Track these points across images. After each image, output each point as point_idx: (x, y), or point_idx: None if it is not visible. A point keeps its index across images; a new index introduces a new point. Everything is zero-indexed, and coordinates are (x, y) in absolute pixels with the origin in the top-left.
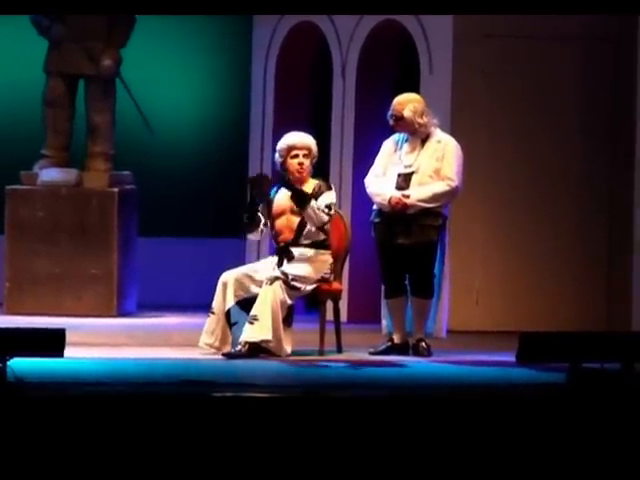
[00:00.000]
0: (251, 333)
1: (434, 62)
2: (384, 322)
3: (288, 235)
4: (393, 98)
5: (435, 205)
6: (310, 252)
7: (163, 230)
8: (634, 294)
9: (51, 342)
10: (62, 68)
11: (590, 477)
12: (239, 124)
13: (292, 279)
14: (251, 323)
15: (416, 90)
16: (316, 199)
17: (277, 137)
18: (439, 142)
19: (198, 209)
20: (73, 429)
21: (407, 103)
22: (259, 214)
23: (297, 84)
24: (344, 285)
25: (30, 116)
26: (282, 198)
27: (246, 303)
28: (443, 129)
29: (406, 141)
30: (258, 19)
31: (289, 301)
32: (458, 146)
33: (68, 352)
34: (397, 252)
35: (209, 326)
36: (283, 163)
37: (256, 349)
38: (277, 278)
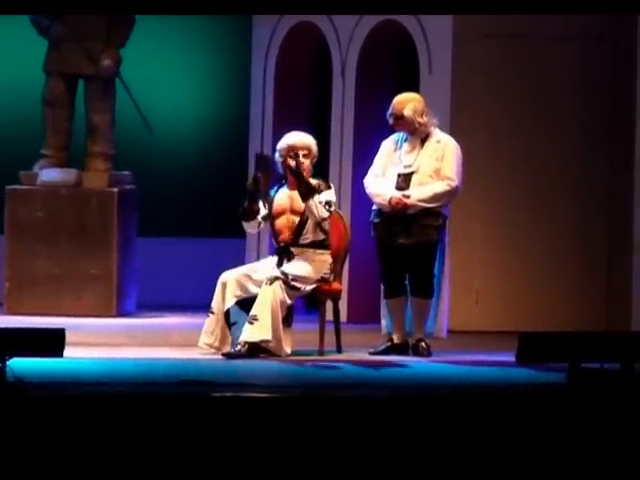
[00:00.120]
0: (251, 333)
1: (434, 62)
2: (383, 322)
3: (288, 235)
4: (393, 98)
5: (435, 205)
6: (310, 252)
7: (163, 230)
8: (634, 294)
9: (51, 342)
10: (62, 68)
11: (590, 477)
12: (239, 124)
13: (292, 279)
14: (251, 323)
15: (416, 90)
16: (318, 194)
17: (277, 137)
18: (439, 142)
19: (198, 209)
20: (73, 429)
21: (407, 102)
22: (259, 201)
23: (297, 84)
24: (344, 285)
25: (30, 116)
26: (282, 198)
27: (245, 303)
28: (443, 129)
29: (405, 141)
30: (257, 19)
31: (289, 301)
32: (457, 146)
33: (68, 352)
34: (397, 252)
35: (208, 326)
36: (283, 162)
37: (256, 349)
38: (277, 278)
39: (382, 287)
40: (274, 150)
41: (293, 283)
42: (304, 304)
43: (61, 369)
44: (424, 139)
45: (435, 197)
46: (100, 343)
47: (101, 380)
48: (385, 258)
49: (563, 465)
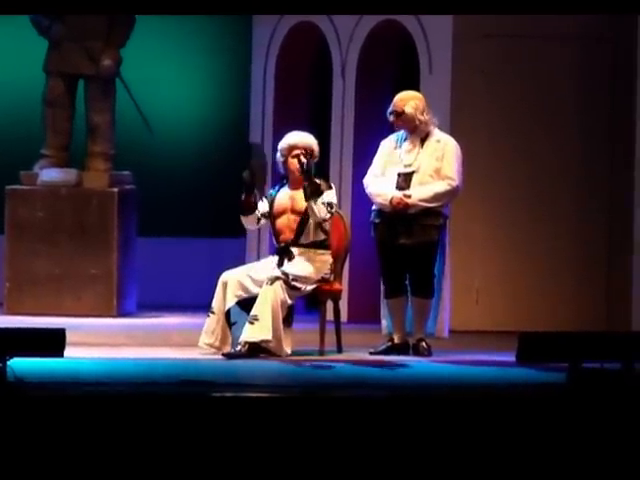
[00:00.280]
0: (251, 333)
1: (434, 62)
2: (384, 322)
3: (288, 235)
4: (393, 98)
5: (436, 205)
6: (310, 252)
7: (163, 230)
8: (634, 294)
9: (51, 342)
10: (62, 68)
11: (590, 477)
12: (239, 124)
13: (292, 279)
14: (251, 323)
15: (416, 90)
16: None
17: (277, 137)
18: (438, 142)
19: (198, 209)
20: (73, 429)
21: (409, 100)
22: (256, 194)
23: (297, 84)
24: (344, 285)
25: (30, 116)
26: (283, 198)
27: (246, 303)
28: (443, 129)
29: (405, 140)
30: (258, 19)
31: (289, 301)
32: (457, 146)
33: (68, 352)
34: (398, 252)
35: (209, 326)
36: (284, 162)
37: (256, 349)
38: (277, 278)
39: (382, 287)
40: (275, 150)
41: (294, 283)
42: (304, 304)
43: (61, 369)
44: (424, 138)
45: (436, 197)
46: (100, 343)
47: (101, 380)
48: (386, 258)
49: (564, 465)
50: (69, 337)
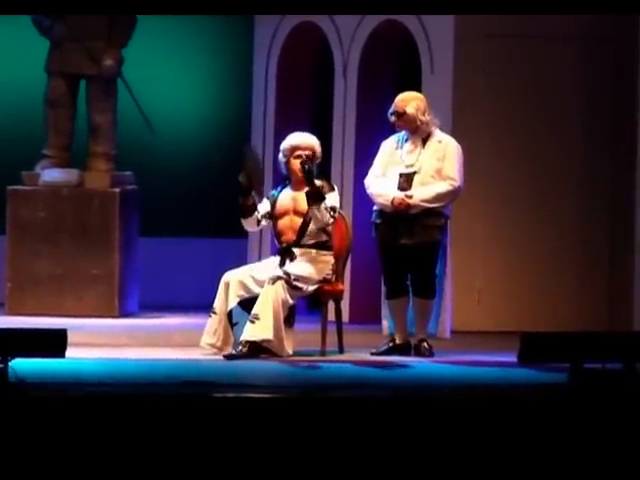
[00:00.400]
0: (252, 332)
1: (435, 62)
2: (385, 323)
3: (291, 236)
4: (394, 98)
5: (438, 205)
6: (312, 253)
7: (164, 230)
8: (635, 294)
9: (53, 343)
10: (63, 68)
11: (592, 477)
12: (240, 124)
13: (294, 279)
14: (252, 322)
15: (417, 90)
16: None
17: (279, 137)
18: (440, 142)
19: (199, 209)
20: (74, 430)
21: (410, 100)
22: (254, 196)
23: (298, 84)
24: (346, 286)
25: (31, 116)
26: (285, 198)
27: (248, 303)
28: (444, 129)
29: (406, 141)
30: (259, 19)
31: (291, 301)
32: (459, 146)
33: (69, 352)
34: (399, 252)
35: (211, 326)
36: (287, 163)
37: (257, 349)
38: (279, 278)
39: (383, 288)
40: (277, 150)
41: (295, 283)
42: (306, 304)
43: (63, 370)
44: (425, 139)
45: (438, 197)
46: (102, 344)
47: (103, 381)
48: (387, 258)
49: (565, 465)
50: (71, 337)
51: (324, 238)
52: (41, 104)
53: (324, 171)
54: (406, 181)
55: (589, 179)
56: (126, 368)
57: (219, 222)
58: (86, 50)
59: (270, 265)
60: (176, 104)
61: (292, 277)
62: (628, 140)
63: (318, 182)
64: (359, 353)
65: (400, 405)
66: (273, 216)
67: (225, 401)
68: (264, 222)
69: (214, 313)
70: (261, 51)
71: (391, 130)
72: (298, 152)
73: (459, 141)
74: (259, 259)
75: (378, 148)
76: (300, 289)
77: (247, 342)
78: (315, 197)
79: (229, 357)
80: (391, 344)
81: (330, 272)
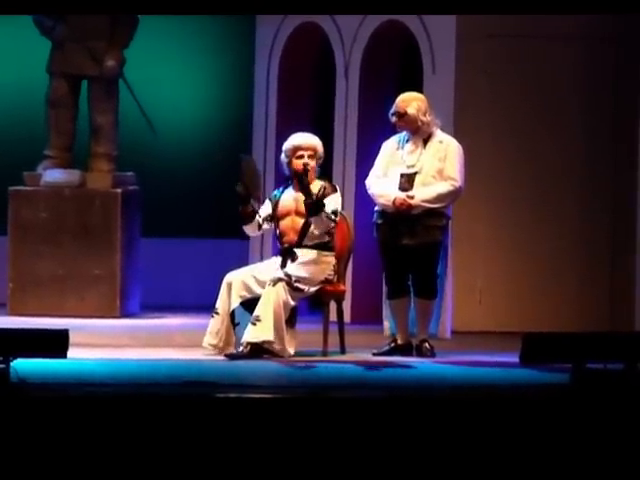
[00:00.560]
0: (253, 334)
1: (437, 62)
2: (386, 323)
3: (292, 236)
4: (396, 98)
5: (439, 205)
6: (314, 254)
7: (166, 231)
8: (637, 294)
9: (54, 343)
10: (65, 69)
11: (594, 477)
12: (242, 124)
13: (295, 280)
14: (253, 324)
15: (419, 90)
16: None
17: (280, 138)
18: (441, 142)
19: (201, 210)
20: (76, 430)
21: (411, 100)
22: (253, 203)
23: (300, 84)
24: (347, 286)
25: (33, 117)
26: (287, 199)
27: (250, 304)
28: (446, 129)
29: (407, 141)
30: (261, 19)
31: (292, 302)
32: (460, 147)
33: (71, 353)
34: (401, 253)
35: (213, 327)
36: (289, 163)
37: (259, 350)
38: (280, 279)
39: (385, 288)
40: (279, 150)
41: (296, 284)
42: (308, 305)
43: (64, 370)
44: (426, 139)
45: (439, 197)
46: (103, 344)
47: (104, 381)
48: (388, 259)
49: (567, 466)
50: (72, 338)
51: (326, 239)
52: (43, 105)
53: (326, 171)
54: (407, 181)
55: (590, 179)
56: (128, 368)
57: (221, 223)
58: (88, 51)
59: (272, 266)
60: (177, 105)
61: (293, 279)
62: (629, 140)
63: (319, 182)
64: (361, 353)
65: (402, 405)
66: (275, 217)
67: (227, 401)
68: (266, 226)
69: (216, 314)
70: (263, 51)
71: (392, 130)
72: (300, 152)
73: (460, 141)
74: (261, 260)
75: (380, 148)
76: (301, 290)
77: (248, 343)
78: (314, 208)
79: (230, 356)
80: (393, 344)
81: (332, 273)
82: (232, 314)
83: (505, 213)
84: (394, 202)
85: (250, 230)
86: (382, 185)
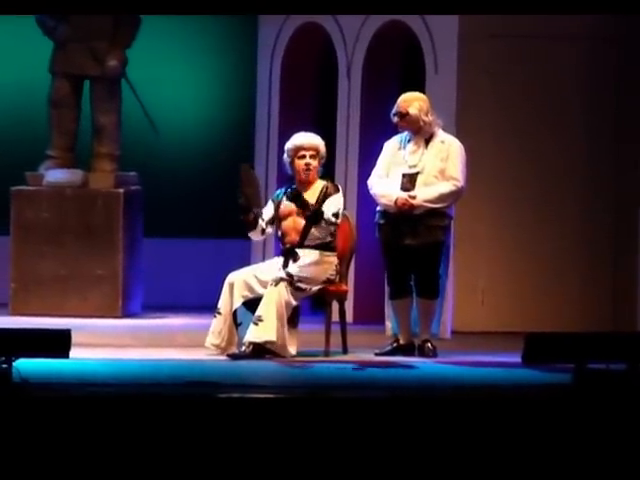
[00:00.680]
0: (255, 334)
1: (439, 62)
2: (388, 323)
3: (294, 237)
4: (398, 98)
5: (441, 205)
6: (316, 254)
7: (168, 231)
8: (639, 294)
9: (56, 343)
10: (67, 69)
11: (596, 477)
12: (244, 124)
13: (297, 280)
14: (256, 324)
15: (421, 90)
16: (322, 205)
17: (283, 138)
18: (443, 142)
19: (203, 210)
20: (78, 430)
21: (413, 101)
22: (255, 211)
23: (302, 84)
24: (350, 286)
25: (35, 117)
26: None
27: (252, 304)
28: (448, 129)
29: (409, 141)
30: (263, 19)
31: (294, 302)
32: (462, 147)
33: (73, 353)
34: (403, 253)
35: (216, 327)
36: (291, 163)
37: (261, 350)
38: (282, 279)
39: (387, 288)
40: (281, 150)
41: (298, 284)
42: (310, 305)
43: (67, 370)
44: (428, 139)
45: (441, 198)
46: (105, 344)
47: (106, 381)
48: (391, 259)
49: (570, 466)
50: (74, 338)
51: (328, 239)
52: (45, 105)
53: (328, 171)
54: (409, 181)
55: (592, 179)
56: (130, 368)
57: (223, 223)
58: (90, 51)
59: (274, 266)
60: (180, 105)
61: (295, 279)
62: (631, 140)
63: (322, 183)
64: (363, 353)
65: (404, 406)
66: (277, 217)
67: (229, 401)
68: (269, 229)
69: (219, 314)
70: (265, 51)
71: (395, 130)
72: (302, 152)
73: (463, 141)
74: (263, 260)
75: (382, 148)
76: (303, 290)
77: (251, 343)
78: (314, 219)
79: (233, 356)
80: (395, 344)
81: (334, 273)
82: (234, 314)
83: (507, 213)
84: (396, 202)
85: (254, 236)
86: (384, 185)
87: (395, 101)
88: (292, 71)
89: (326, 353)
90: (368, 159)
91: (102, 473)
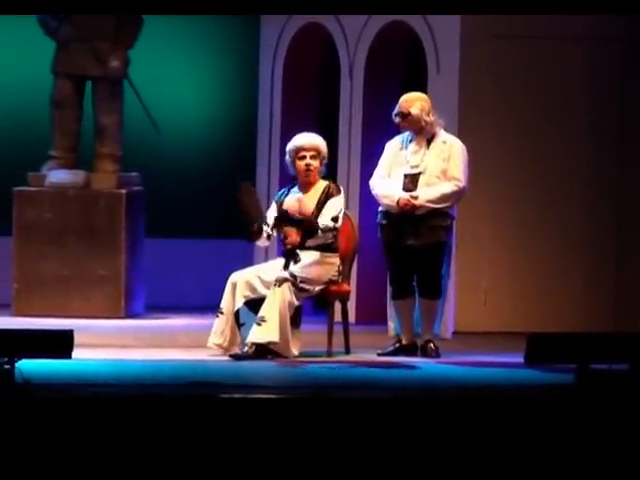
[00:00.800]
0: (258, 334)
1: (441, 62)
2: (391, 323)
3: (295, 238)
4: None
5: (443, 206)
6: (317, 255)
7: (170, 231)
8: None
9: (59, 343)
10: (70, 69)
11: (599, 478)
12: (246, 125)
13: (300, 281)
14: (259, 324)
15: (423, 90)
16: (321, 211)
17: (285, 138)
18: (444, 143)
19: (205, 210)
20: (80, 430)
21: (415, 101)
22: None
23: (305, 85)
24: (352, 286)
25: (38, 117)
26: (291, 201)
27: (254, 304)
28: (450, 129)
29: (411, 141)
30: (265, 19)
31: (296, 302)
32: (463, 147)
33: (76, 353)
34: (405, 253)
35: (218, 326)
36: (293, 164)
37: (263, 350)
38: (286, 280)
39: (390, 288)
40: (283, 151)
41: (301, 285)
42: (313, 305)
43: (69, 370)
44: (430, 139)
45: (443, 198)
46: (108, 344)
47: (109, 382)
48: (393, 259)
49: (572, 466)
50: (77, 338)
51: (329, 240)
52: (47, 105)
53: (330, 171)
54: (411, 182)
55: (595, 179)
56: (132, 369)
57: (225, 223)
58: (92, 51)
59: (276, 266)
60: (182, 105)
61: (298, 279)
62: (635, 140)
63: (324, 183)
64: (365, 354)
65: (407, 406)
66: (279, 218)
67: (231, 402)
68: (275, 234)
69: (221, 313)
70: (267, 51)
71: (397, 130)
72: (302, 153)
73: (465, 141)
74: (265, 260)
75: (384, 148)
76: (306, 290)
77: (253, 344)
78: (310, 232)
79: (235, 357)
80: (397, 345)
81: (336, 274)
82: (237, 314)
83: (510, 213)
84: (398, 202)
85: (260, 242)
86: (386, 186)
87: (397, 101)
88: (294, 71)
89: (329, 353)
90: (370, 159)
91: (105, 474)
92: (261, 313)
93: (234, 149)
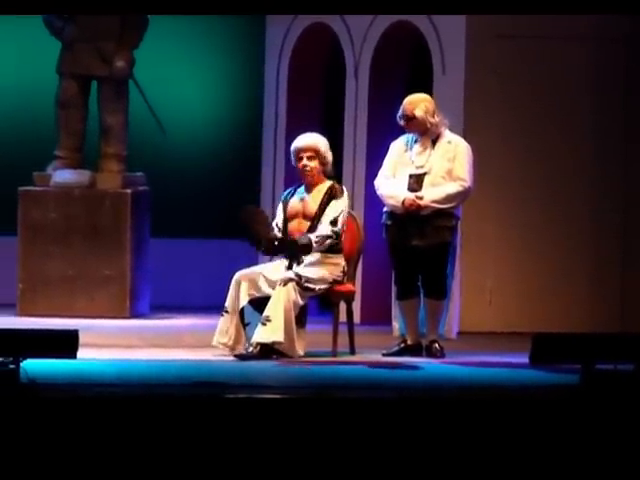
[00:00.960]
0: (263, 334)
1: (447, 62)
2: (396, 324)
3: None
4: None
5: (448, 206)
6: (318, 256)
7: (176, 231)
8: None
9: (64, 343)
10: (75, 69)
11: (603, 478)
12: (252, 125)
13: (305, 281)
14: (264, 324)
15: (429, 90)
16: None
17: (290, 138)
18: (449, 143)
19: (211, 210)
20: (85, 430)
21: (419, 103)
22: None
23: (310, 85)
24: (357, 287)
25: (43, 117)
26: (295, 201)
27: (259, 303)
28: (455, 129)
29: (416, 142)
30: (271, 19)
31: (301, 302)
32: (469, 147)
33: (81, 353)
34: (410, 254)
35: (223, 325)
36: (295, 165)
37: (268, 350)
38: (291, 279)
39: (394, 289)
40: (288, 151)
41: (306, 285)
42: (318, 305)
43: (74, 370)
44: (435, 140)
45: (448, 198)
46: (113, 344)
47: (114, 382)
48: (398, 260)
49: (577, 466)
50: (82, 338)
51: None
52: (53, 105)
53: (335, 172)
54: (416, 182)
55: (600, 179)
56: (137, 369)
57: (230, 223)
58: (97, 51)
59: (281, 266)
60: (187, 105)
61: (303, 279)
62: None
63: (328, 183)
64: (370, 354)
65: (411, 406)
66: (284, 218)
67: (236, 402)
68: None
69: (226, 312)
70: (272, 52)
71: (402, 130)
72: (300, 154)
73: (470, 141)
74: (270, 260)
75: (389, 148)
76: (311, 290)
77: (258, 344)
78: (304, 251)
79: (240, 357)
80: (402, 345)
81: (340, 274)
82: (241, 313)
83: (515, 213)
84: (403, 203)
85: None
86: (391, 186)
87: (402, 102)
88: (299, 71)
89: (333, 354)
90: (375, 159)
91: (109, 473)
92: (266, 313)
93: (239, 149)
